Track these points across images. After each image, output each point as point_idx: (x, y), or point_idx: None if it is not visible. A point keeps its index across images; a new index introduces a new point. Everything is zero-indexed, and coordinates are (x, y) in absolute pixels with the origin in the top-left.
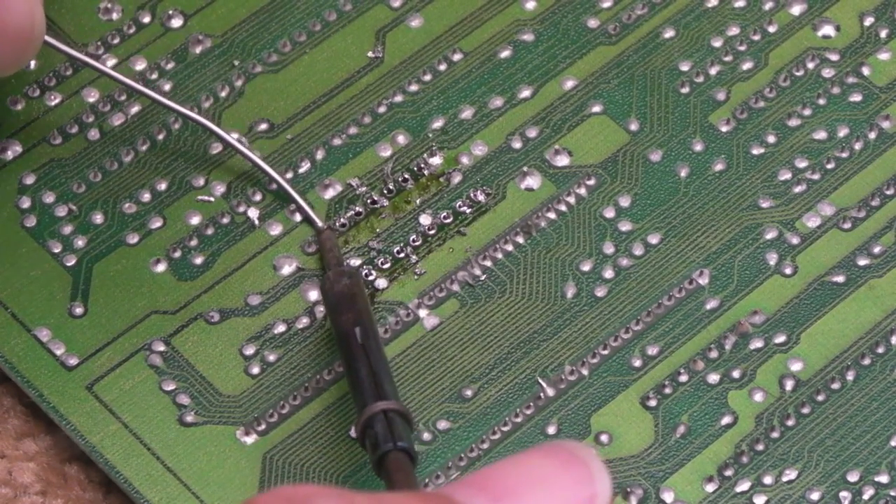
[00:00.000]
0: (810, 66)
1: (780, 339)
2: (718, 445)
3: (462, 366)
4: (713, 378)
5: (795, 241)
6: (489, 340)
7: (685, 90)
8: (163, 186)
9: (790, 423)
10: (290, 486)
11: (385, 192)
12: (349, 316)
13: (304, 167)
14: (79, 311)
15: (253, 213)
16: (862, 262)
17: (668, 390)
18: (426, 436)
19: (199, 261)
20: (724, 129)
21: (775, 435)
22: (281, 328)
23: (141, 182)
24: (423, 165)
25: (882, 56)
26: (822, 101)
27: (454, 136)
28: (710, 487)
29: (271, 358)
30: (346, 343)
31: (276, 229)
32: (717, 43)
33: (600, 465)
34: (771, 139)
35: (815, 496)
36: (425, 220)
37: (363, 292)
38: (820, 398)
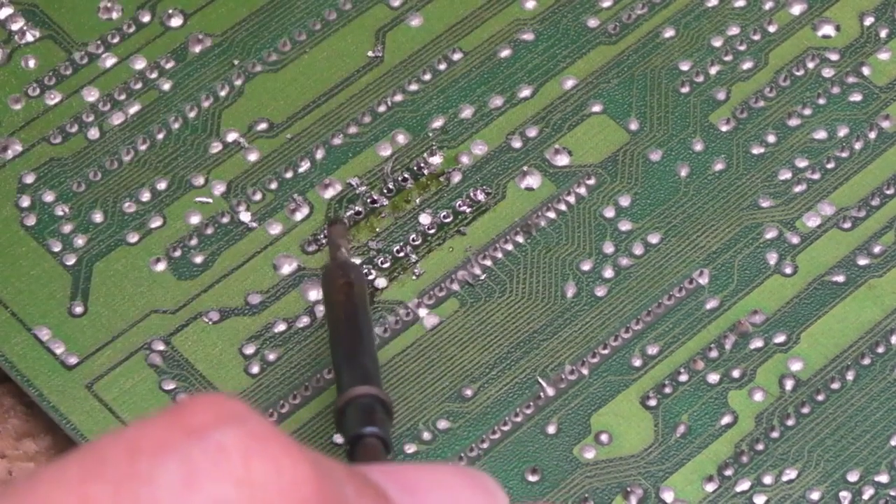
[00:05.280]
0: (810, 65)
1: (780, 338)
2: (718, 445)
3: (462, 365)
4: (713, 378)
5: (795, 240)
6: (489, 340)
7: (685, 90)
8: (163, 185)
9: (790, 422)
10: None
11: (385, 191)
12: (341, 297)
13: (304, 167)
14: (78, 310)
15: (245, 217)
16: (862, 261)
17: (668, 390)
18: (426, 435)
19: (198, 260)
20: (724, 128)
21: (775, 435)
22: (281, 327)
23: (141, 181)
24: (422, 165)
25: (882, 56)
26: (822, 101)
27: (454, 136)
28: (710, 487)
29: (271, 357)
30: (333, 323)
31: (275, 228)
32: (717, 42)
33: (504, 496)
34: (771, 139)
35: (815, 496)
36: (425, 219)
37: (362, 285)
38: (820, 398)
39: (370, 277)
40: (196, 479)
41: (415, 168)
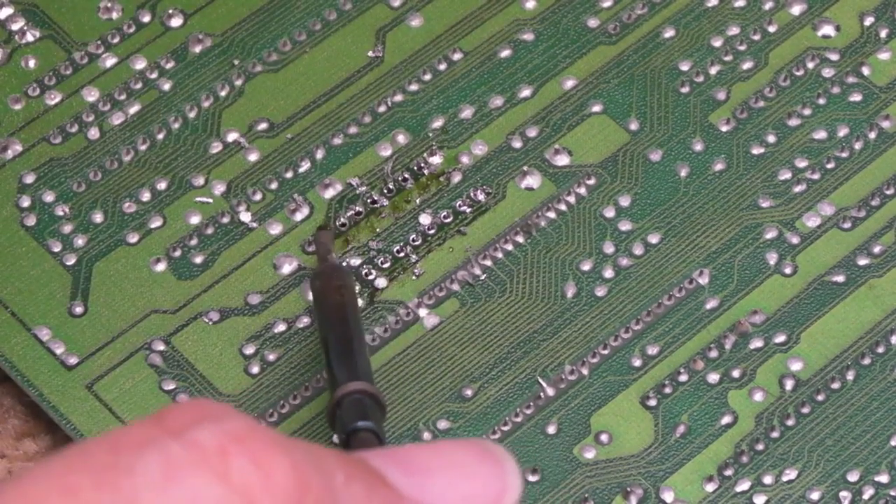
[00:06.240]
0: (810, 65)
1: (780, 338)
2: (718, 445)
3: (462, 365)
4: (713, 378)
5: (795, 240)
6: (489, 340)
7: (685, 90)
8: (163, 185)
9: (790, 422)
10: (211, 402)
11: (385, 191)
12: (337, 299)
13: (304, 167)
14: (79, 310)
15: (245, 217)
16: (862, 261)
17: (668, 390)
18: (426, 435)
19: (198, 260)
20: (724, 128)
21: (775, 435)
22: (281, 327)
23: (141, 181)
24: (423, 165)
25: (882, 56)
26: (822, 101)
27: (454, 136)
28: (710, 487)
29: (271, 357)
30: (326, 324)
31: (275, 228)
32: (717, 42)
33: (514, 466)
34: (771, 139)
35: (815, 496)
36: (425, 219)
37: (353, 289)
38: (820, 398)
39: (370, 277)
40: (175, 472)
41: (415, 168)
